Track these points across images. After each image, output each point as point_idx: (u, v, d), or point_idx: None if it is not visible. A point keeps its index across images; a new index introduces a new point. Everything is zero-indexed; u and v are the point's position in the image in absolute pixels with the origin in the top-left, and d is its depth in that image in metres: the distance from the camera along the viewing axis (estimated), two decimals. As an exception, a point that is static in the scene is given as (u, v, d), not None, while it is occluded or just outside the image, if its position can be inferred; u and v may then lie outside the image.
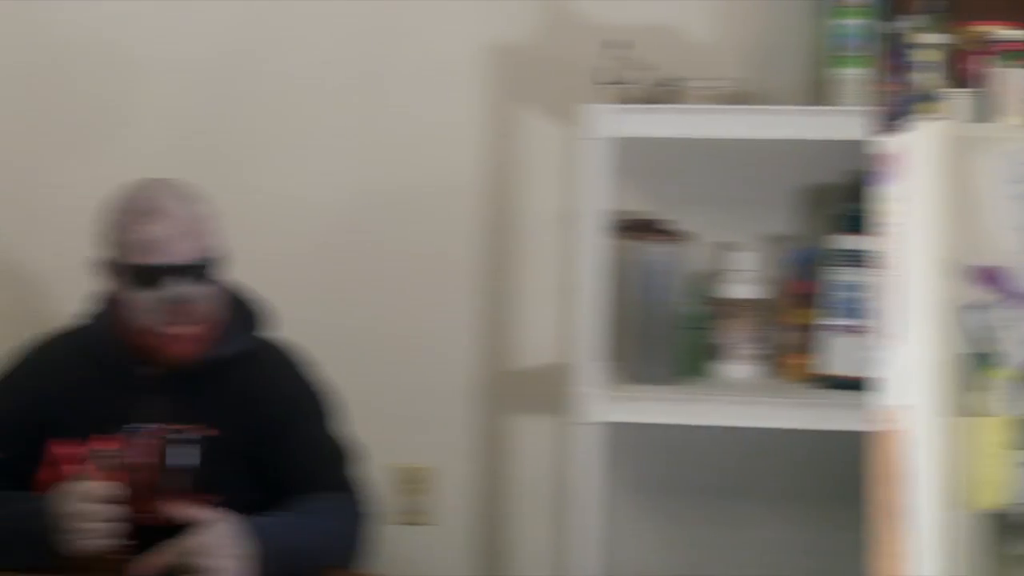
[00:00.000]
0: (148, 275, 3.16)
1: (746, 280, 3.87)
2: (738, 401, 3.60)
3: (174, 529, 2.95)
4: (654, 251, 3.73)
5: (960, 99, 2.91)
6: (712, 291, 3.86)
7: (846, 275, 3.66)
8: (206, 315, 3.26)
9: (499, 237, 4.04)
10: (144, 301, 3.19)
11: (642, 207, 3.90)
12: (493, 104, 3.99)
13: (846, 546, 3.15)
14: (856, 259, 3.61)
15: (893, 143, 3.04)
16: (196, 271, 3.19)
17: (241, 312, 3.39)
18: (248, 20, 4.08)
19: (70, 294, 3.43)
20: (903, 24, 3.13)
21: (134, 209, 3.20)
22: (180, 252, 3.17)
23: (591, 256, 3.59)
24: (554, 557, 4.05)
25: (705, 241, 3.93)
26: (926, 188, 2.81)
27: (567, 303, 3.88)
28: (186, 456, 3.23)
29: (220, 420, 3.26)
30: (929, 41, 2.96)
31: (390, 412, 4.06)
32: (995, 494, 2.75)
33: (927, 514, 2.79)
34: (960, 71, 3.00)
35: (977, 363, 2.78)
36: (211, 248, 3.24)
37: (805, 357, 3.76)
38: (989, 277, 2.80)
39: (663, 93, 3.66)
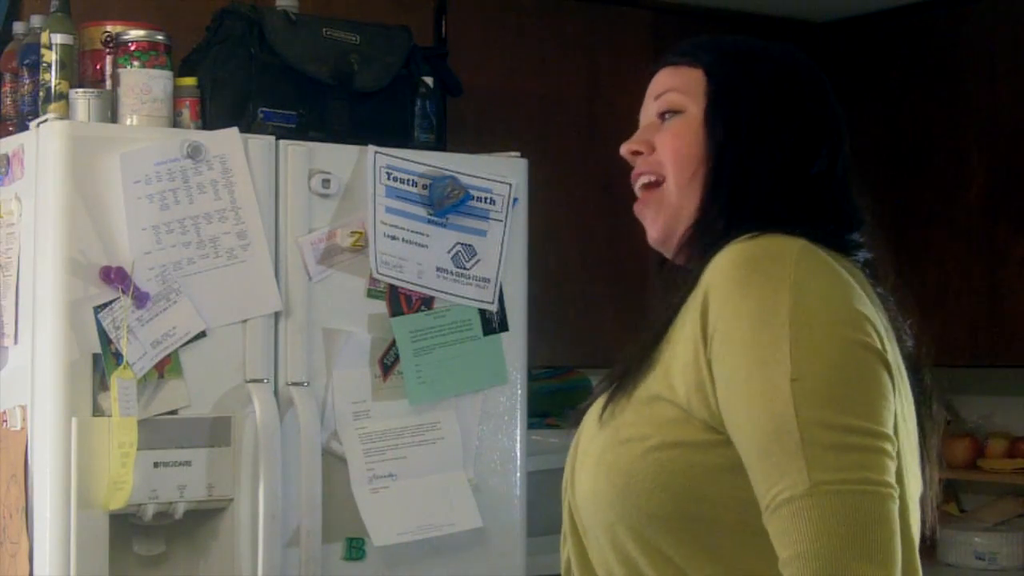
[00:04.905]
0: None
1: None
2: None
3: None
4: None
5: (84, 99, 2.92)
6: None
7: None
8: None
9: None
10: None
11: None
12: None
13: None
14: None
15: (9, 143, 3.01)
16: None
17: None
18: None
19: None
20: (28, 24, 3.09)
21: None
22: None
23: None
24: None
25: None
26: (51, 188, 2.82)
27: None
28: None
29: None
30: (52, 41, 2.94)
31: None
32: (119, 494, 2.80)
33: (54, 514, 2.80)
34: (84, 71, 3.00)
35: (104, 363, 2.81)
36: None
37: None
38: (113, 277, 2.84)
39: None
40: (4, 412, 2.95)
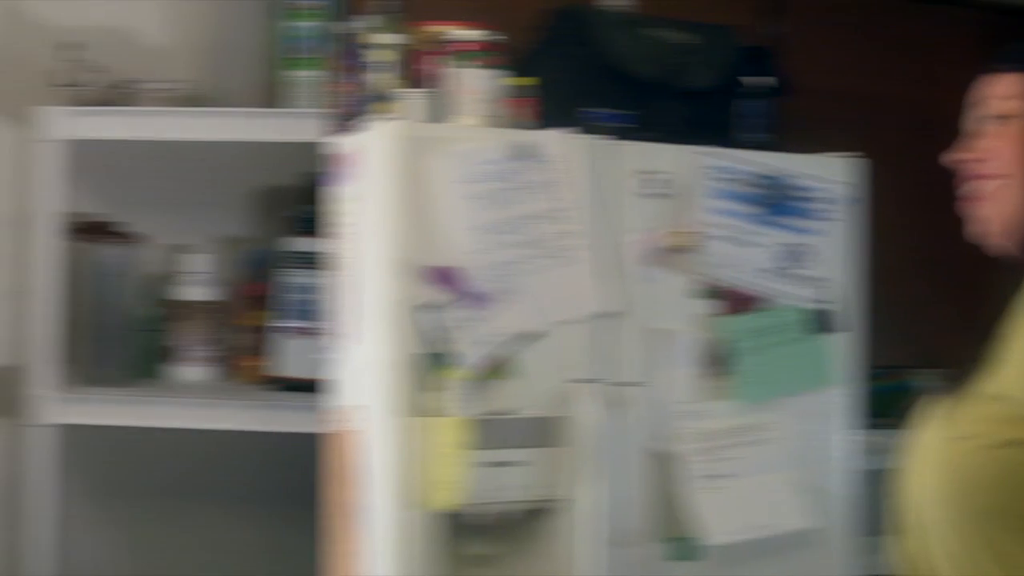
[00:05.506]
0: None
1: (200, 282, 3.83)
2: (191, 403, 3.55)
3: None
4: (107, 253, 3.64)
5: (415, 99, 2.99)
6: (166, 293, 3.82)
7: (299, 277, 3.66)
8: None
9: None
10: None
11: (97, 209, 3.77)
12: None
13: (303, 547, 3.19)
14: (309, 261, 3.59)
15: (347, 144, 3.10)
16: None
17: None
18: None
19: None
20: (357, 25, 3.17)
21: None
22: None
23: (45, 258, 3.47)
24: (7, 561, 3.87)
25: (160, 243, 3.85)
26: (381, 188, 2.89)
27: (20, 305, 3.72)
28: None
29: None
30: (384, 41, 3.01)
31: None
32: (451, 494, 2.83)
33: (383, 514, 2.86)
34: (415, 71, 3.07)
35: (432, 363, 2.85)
36: None
37: (259, 359, 3.73)
38: (444, 277, 2.90)
39: (117, 95, 3.57)
40: (347, 411, 3.04)
